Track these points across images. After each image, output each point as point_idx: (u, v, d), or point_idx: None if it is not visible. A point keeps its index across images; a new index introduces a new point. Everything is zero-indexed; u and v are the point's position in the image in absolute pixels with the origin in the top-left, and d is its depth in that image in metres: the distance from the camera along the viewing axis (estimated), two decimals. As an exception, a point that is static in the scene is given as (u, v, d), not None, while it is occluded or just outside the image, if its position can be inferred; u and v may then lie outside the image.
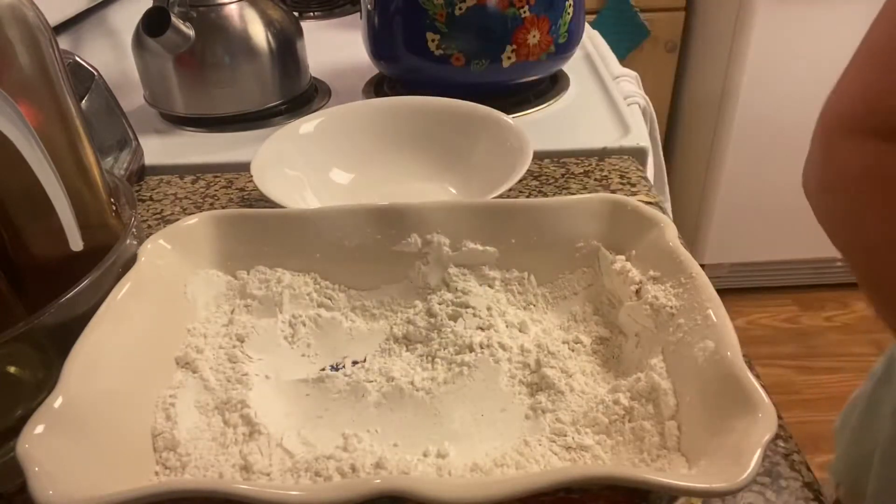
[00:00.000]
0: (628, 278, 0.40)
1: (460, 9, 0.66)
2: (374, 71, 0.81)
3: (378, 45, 0.74)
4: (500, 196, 0.49)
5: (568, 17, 0.69)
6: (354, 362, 0.41)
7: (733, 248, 1.80)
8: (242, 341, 0.40)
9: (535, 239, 0.43)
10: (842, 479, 0.66)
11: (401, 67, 0.73)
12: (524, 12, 0.66)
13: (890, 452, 0.58)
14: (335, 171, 0.60)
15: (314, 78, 0.81)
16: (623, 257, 0.41)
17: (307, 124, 0.61)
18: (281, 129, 0.59)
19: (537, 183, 0.60)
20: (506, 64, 0.68)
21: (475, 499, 0.25)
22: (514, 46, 0.67)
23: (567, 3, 0.68)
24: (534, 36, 0.67)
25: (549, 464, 0.33)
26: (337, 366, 0.41)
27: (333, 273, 0.44)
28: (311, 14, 1.08)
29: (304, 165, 0.58)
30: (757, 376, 0.31)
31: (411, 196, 0.59)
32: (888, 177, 0.41)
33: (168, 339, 0.38)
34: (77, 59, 0.58)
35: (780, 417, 0.29)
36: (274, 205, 0.50)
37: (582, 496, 0.28)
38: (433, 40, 0.68)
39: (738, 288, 1.89)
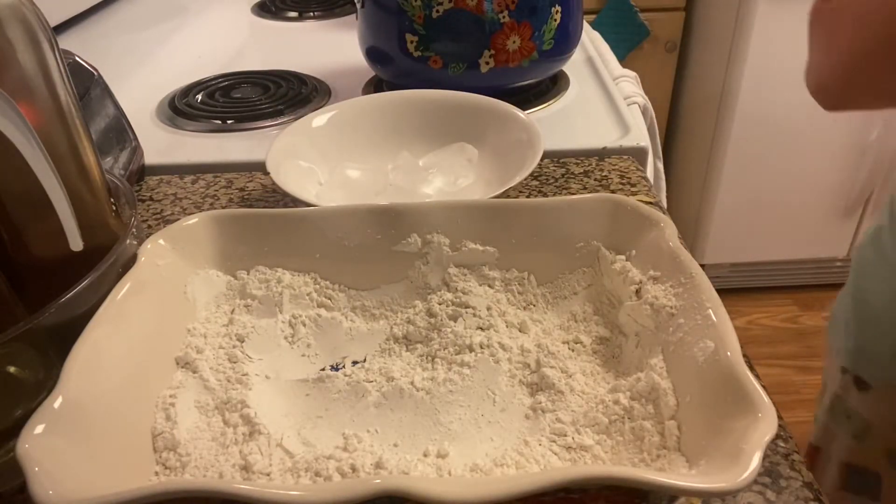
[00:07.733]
0: (628, 278, 0.40)
1: (437, 11, 0.65)
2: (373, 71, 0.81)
3: (366, 45, 0.74)
4: (507, 191, 0.49)
5: (554, 24, 0.68)
6: (354, 362, 0.41)
7: (733, 248, 1.80)
8: (242, 341, 0.40)
9: (535, 239, 0.43)
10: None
11: (387, 68, 0.73)
12: (503, 17, 0.65)
13: None
14: (348, 163, 0.60)
15: (314, 78, 0.81)
16: (623, 257, 0.41)
17: (320, 117, 0.61)
18: (294, 123, 0.59)
19: (537, 183, 0.60)
20: (484, 69, 0.67)
21: (475, 499, 0.25)
22: (493, 52, 0.66)
23: (553, 10, 0.67)
24: (514, 42, 0.66)
25: (549, 464, 0.33)
26: (337, 366, 0.41)
27: (333, 273, 0.44)
28: (311, 14, 1.08)
29: (318, 158, 0.58)
30: (757, 376, 0.31)
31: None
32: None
33: (168, 339, 0.38)
34: (77, 59, 0.58)
35: (780, 417, 0.29)
36: (289, 198, 0.50)
37: (582, 496, 0.28)
38: (412, 42, 0.67)
39: (738, 288, 1.89)
